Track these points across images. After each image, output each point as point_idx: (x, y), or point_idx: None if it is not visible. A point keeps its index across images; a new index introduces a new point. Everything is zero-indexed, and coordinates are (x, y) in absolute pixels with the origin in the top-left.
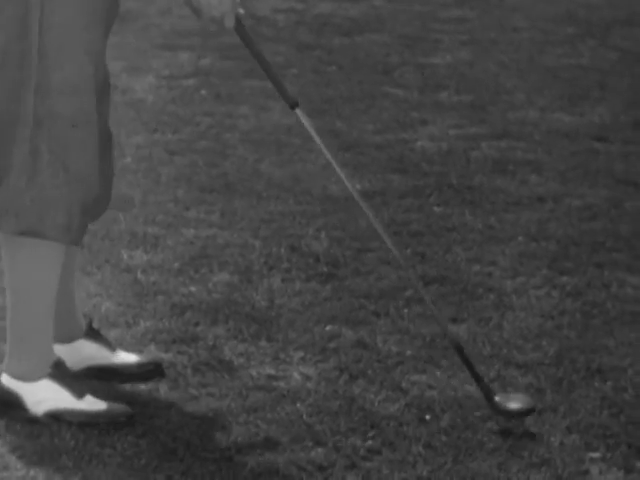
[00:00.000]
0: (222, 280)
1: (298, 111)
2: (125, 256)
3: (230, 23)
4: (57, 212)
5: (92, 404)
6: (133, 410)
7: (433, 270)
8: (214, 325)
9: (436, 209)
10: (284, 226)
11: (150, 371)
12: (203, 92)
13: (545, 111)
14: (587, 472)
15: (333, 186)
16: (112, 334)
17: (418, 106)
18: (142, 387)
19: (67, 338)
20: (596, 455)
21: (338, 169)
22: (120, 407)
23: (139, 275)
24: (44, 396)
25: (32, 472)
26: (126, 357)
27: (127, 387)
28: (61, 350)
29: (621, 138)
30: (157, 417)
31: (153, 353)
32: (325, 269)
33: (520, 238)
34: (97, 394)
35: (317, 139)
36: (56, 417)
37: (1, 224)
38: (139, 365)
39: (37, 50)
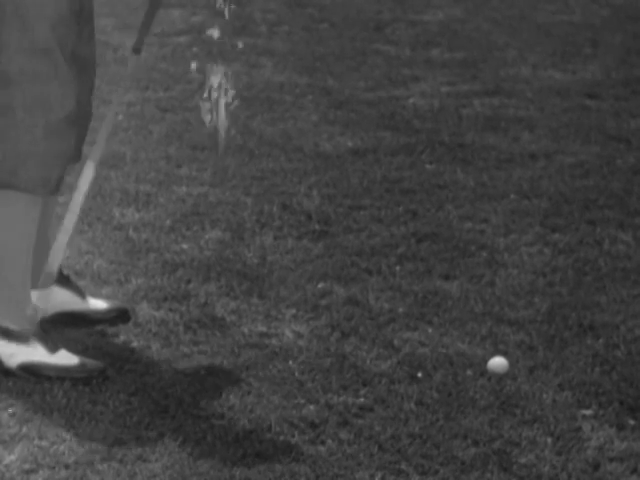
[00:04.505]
0: (214, 238)
1: None
2: (117, 214)
3: None
4: (32, 165)
5: (65, 358)
6: (126, 366)
7: (425, 228)
8: (206, 282)
9: (428, 166)
10: (276, 184)
11: (116, 317)
12: (195, 49)
13: (537, 68)
14: (579, 429)
15: (325, 143)
16: (104, 292)
17: (410, 63)
18: (134, 344)
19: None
20: (588, 412)
21: None
22: (93, 362)
23: (131, 233)
24: (18, 349)
25: (24, 429)
26: (95, 303)
27: (119, 344)
28: (35, 296)
29: (613, 95)
30: (149, 375)
31: (145, 311)
32: (317, 227)
33: (512, 195)
34: (88, 353)
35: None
36: (29, 371)
37: None
38: (106, 311)
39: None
